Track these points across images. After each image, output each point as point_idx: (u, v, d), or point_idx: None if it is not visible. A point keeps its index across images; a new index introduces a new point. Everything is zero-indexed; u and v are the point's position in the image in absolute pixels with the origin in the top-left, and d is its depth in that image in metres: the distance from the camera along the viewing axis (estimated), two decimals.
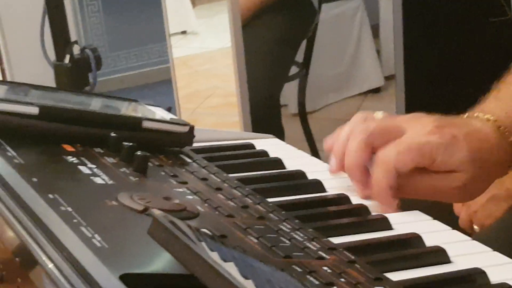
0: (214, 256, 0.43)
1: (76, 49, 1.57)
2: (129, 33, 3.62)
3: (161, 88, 3.24)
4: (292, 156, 0.81)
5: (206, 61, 4.64)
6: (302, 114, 2.55)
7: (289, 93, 2.74)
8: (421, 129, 0.69)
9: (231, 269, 0.42)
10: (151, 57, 3.76)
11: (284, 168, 0.78)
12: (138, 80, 3.68)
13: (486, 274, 0.56)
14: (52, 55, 1.57)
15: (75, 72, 1.47)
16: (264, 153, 0.82)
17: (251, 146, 0.84)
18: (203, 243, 0.45)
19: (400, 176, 0.68)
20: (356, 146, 0.70)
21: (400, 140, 0.69)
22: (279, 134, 2.14)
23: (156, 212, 0.45)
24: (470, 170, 0.68)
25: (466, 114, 0.73)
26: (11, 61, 2.57)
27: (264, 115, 2.15)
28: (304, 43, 2.44)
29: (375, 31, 3.21)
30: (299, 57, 2.45)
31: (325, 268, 0.53)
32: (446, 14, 2.10)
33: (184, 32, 4.92)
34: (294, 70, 2.45)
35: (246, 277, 0.41)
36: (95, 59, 1.49)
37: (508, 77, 0.77)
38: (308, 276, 0.51)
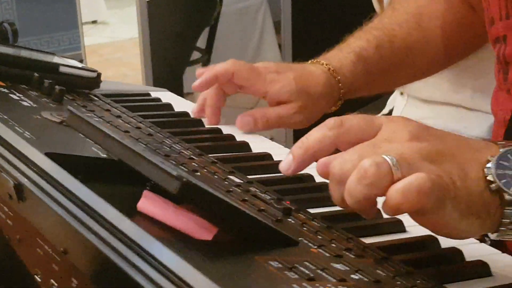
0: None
1: None
2: (41, 20, 3.72)
3: None
4: (180, 103, 1.01)
5: (116, 50, 4.75)
6: None
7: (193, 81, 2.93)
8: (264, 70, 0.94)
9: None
10: (62, 44, 3.87)
11: (173, 110, 0.98)
12: None
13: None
14: None
15: None
16: (157, 99, 1.02)
17: (148, 95, 1.04)
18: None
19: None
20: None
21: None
22: None
23: (70, 107, 0.64)
24: (300, 99, 0.92)
25: (310, 61, 0.98)
26: None
27: None
28: (207, 31, 2.64)
29: (278, 27, 3.43)
30: (202, 44, 2.65)
31: (194, 163, 0.73)
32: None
33: (94, 22, 5.02)
34: (197, 55, 2.65)
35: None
36: (12, 32, 1.65)
37: (357, 32, 1.00)
38: (180, 166, 0.71)
